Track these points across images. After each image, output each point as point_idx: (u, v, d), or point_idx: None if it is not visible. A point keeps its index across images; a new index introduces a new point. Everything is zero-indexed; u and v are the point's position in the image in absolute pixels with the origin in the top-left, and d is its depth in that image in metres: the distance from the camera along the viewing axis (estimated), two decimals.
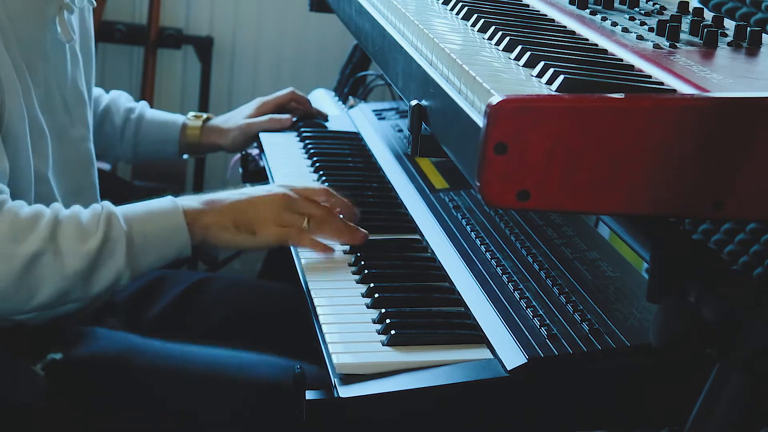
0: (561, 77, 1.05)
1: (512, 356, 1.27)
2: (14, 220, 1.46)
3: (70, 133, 1.73)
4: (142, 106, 2.10)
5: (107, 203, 1.56)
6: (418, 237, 1.66)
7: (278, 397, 1.63)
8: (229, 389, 1.66)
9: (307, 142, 2.06)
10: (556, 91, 1.05)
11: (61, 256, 1.47)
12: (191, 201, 1.60)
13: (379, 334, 1.36)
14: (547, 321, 1.33)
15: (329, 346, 1.33)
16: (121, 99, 2.09)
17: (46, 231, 1.47)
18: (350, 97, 2.41)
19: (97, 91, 2.02)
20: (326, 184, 1.84)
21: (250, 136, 2.10)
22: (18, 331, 1.65)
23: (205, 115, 2.12)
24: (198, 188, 3.04)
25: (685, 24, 1.33)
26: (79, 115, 1.76)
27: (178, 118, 2.11)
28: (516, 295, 1.41)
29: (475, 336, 1.34)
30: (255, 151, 2.10)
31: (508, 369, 1.25)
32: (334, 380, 1.26)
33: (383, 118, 2.18)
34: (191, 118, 2.10)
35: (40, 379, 1.61)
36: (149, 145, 2.10)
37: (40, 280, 1.47)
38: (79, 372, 1.64)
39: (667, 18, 1.35)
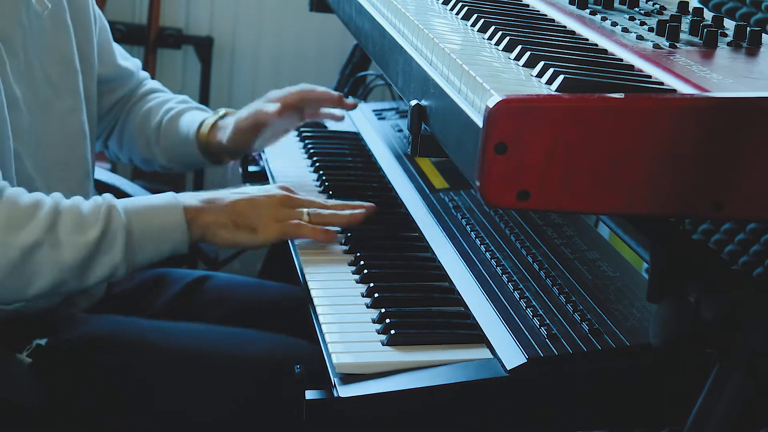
0: (561, 77, 1.05)
1: (512, 356, 1.27)
2: (12, 208, 1.44)
3: (55, 105, 1.67)
4: (178, 109, 1.94)
5: (109, 195, 1.55)
6: (418, 236, 1.66)
7: (274, 375, 1.60)
8: (223, 367, 1.62)
9: (307, 141, 2.06)
10: (556, 91, 1.04)
11: (59, 248, 1.46)
12: (191, 199, 1.59)
13: (378, 333, 1.36)
14: (547, 321, 1.33)
15: (329, 345, 1.33)
16: (161, 98, 1.98)
17: (45, 221, 1.45)
18: (350, 97, 2.41)
19: (146, 78, 2.00)
20: (326, 184, 1.85)
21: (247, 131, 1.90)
22: (2, 322, 1.62)
23: (222, 111, 1.94)
24: (198, 189, 3.03)
25: (685, 24, 1.33)
26: (67, 86, 1.70)
27: (192, 126, 1.92)
28: (516, 295, 1.41)
29: (475, 336, 1.34)
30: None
31: (508, 369, 1.25)
32: (334, 380, 1.26)
33: (383, 118, 2.18)
34: (208, 118, 1.92)
35: (26, 366, 1.60)
36: (177, 154, 1.97)
37: (36, 271, 1.45)
38: (65, 355, 1.61)
39: (667, 18, 1.35)
